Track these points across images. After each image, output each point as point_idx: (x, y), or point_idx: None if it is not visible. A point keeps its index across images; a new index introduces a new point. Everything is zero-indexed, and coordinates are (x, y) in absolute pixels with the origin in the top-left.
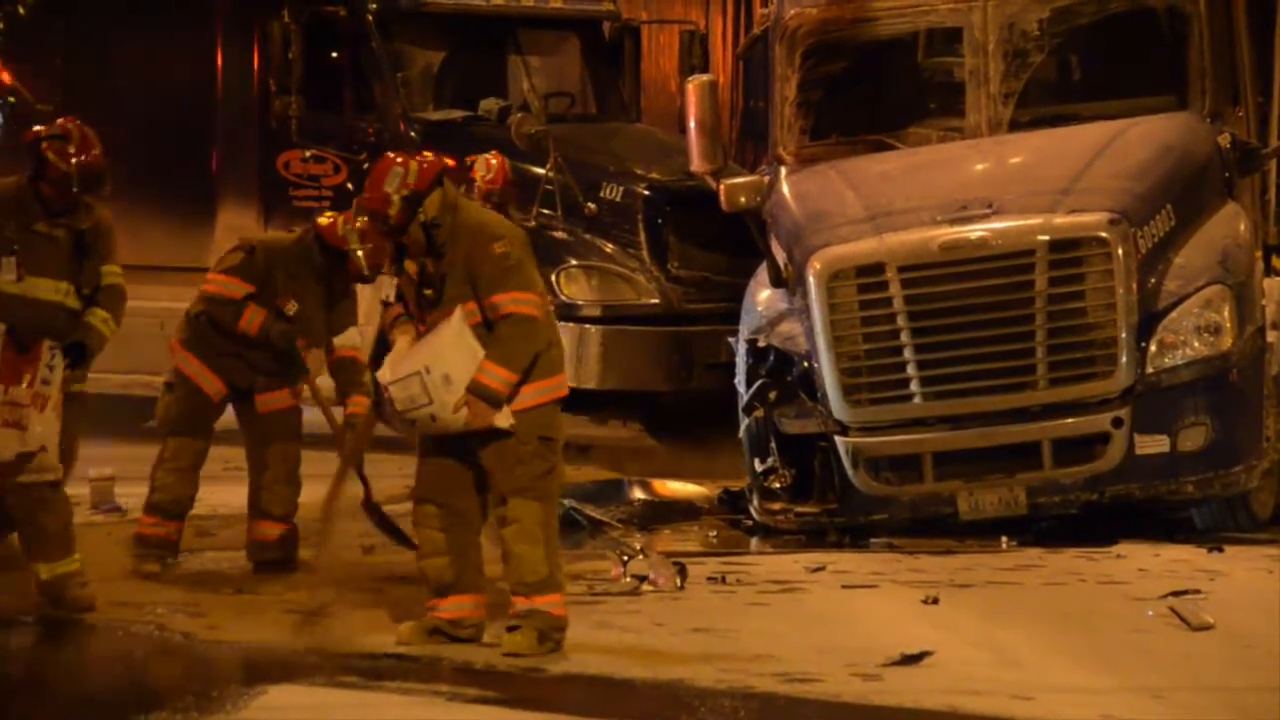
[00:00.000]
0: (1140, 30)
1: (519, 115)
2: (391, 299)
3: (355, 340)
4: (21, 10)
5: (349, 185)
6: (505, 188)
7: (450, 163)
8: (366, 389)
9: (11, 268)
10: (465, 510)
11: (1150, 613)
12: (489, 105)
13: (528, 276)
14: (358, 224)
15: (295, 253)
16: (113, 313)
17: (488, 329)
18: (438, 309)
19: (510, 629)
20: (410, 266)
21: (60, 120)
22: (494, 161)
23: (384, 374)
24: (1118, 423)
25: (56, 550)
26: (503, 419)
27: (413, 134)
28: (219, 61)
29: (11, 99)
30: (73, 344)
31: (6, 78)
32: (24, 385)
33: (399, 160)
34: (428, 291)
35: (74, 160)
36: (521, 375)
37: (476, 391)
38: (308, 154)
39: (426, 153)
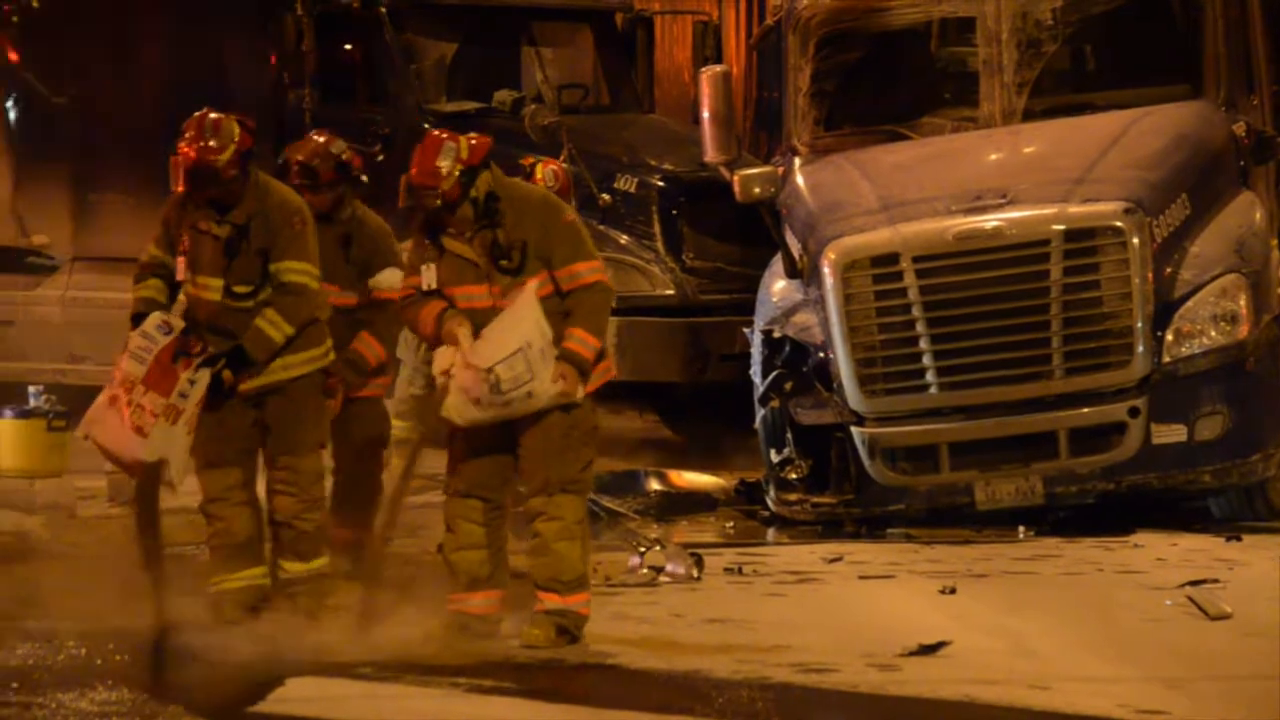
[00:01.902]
0: (1154, 19)
1: (532, 107)
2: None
3: None
4: (35, 3)
5: (363, 177)
6: (567, 195)
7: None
8: None
9: (180, 266)
10: (503, 505)
11: (1168, 602)
12: (503, 97)
13: (593, 247)
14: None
15: None
16: (288, 312)
17: (561, 298)
18: (519, 277)
19: (533, 623)
20: (453, 244)
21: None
22: (555, 168)
23: (479, 360)
24: (1134, 412)
25: (238, 559)
26: (581, 392)
27: (426, 125)
28: (233, 53)
29: None
30: (232, 350)
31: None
32: (163, 394)
33: (449, 137)
34: (504, 262)
35: (185, 152)
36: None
37: (571, 360)
38: (312, 147)
39: (472, 134)
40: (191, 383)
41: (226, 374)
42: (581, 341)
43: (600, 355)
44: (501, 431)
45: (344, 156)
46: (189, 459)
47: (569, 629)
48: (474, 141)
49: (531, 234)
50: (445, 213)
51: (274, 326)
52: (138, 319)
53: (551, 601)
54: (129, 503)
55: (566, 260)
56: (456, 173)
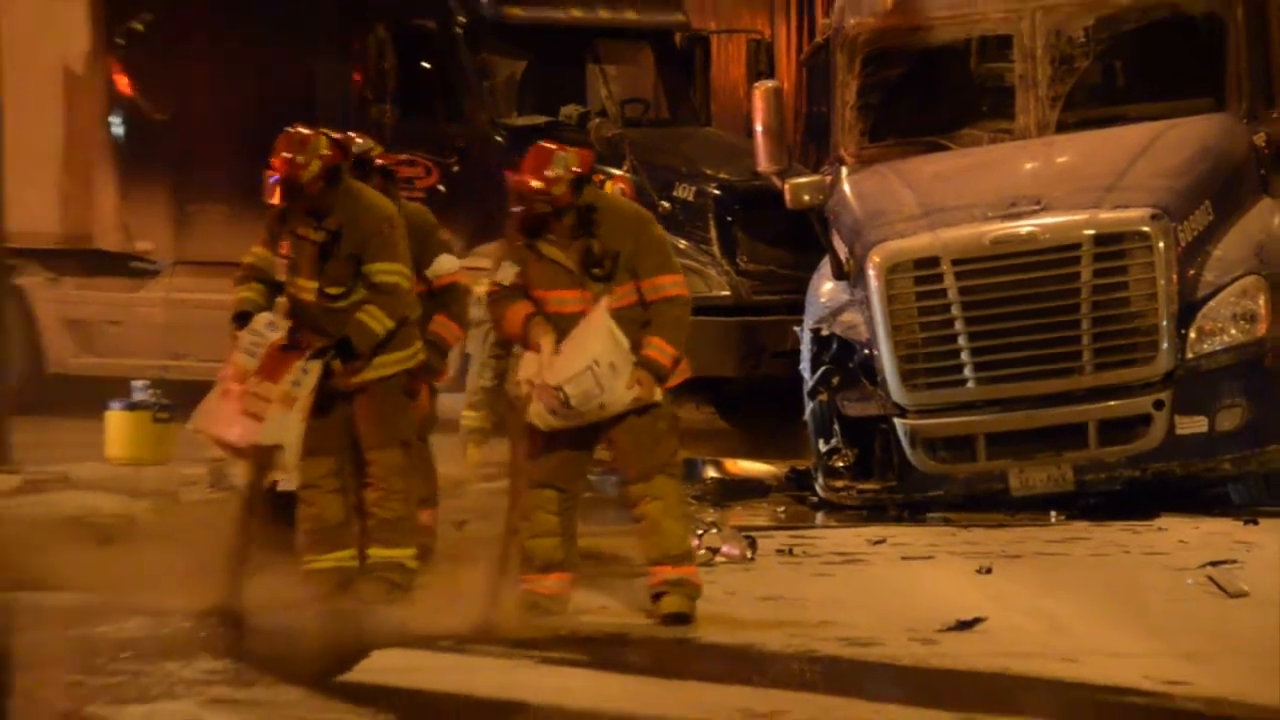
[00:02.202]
0: (1179, 36)
1: (597, 120)
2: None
3: None
4: (139, 27)
5: (440, 186)
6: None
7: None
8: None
9: (281, 269)
10: (577, 495)
11: (1190, 581)
12: (569, 111)
13: (676, 262)
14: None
15: None
16: (385, 309)
17: (643, 308)
18: (609, 284)
19: (657, 596)
20: (549, 249)
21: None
22: (624, 185)
23: (552, 375)
24: (1159, 405)
25: (327, 542)
26: (659, 393)
27: (498, 138)
28: (322, 71)
29: None
30: (340, 341)
31: (124, 87)
32: (277, 383)
33: (560, 147)
34: (597, 270)
35: (276, 166)
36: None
37: (650, 368)
38: (401, 158)
39: (566, 148)
40: (305, 372)
41: (336, 363)
42: (660, 350)
43: (677, 360)
44: (580, 430)
45: (370, 154)
46: (301, 445)
47: (695, 598)
48: (582, 153)
49: (624, 245)
50: (552, 218)
51: (375, 320)
52: (241, 318)
53: (667, 573)
54: (228, 488)
55: (653, 273)
56: (567, 181)
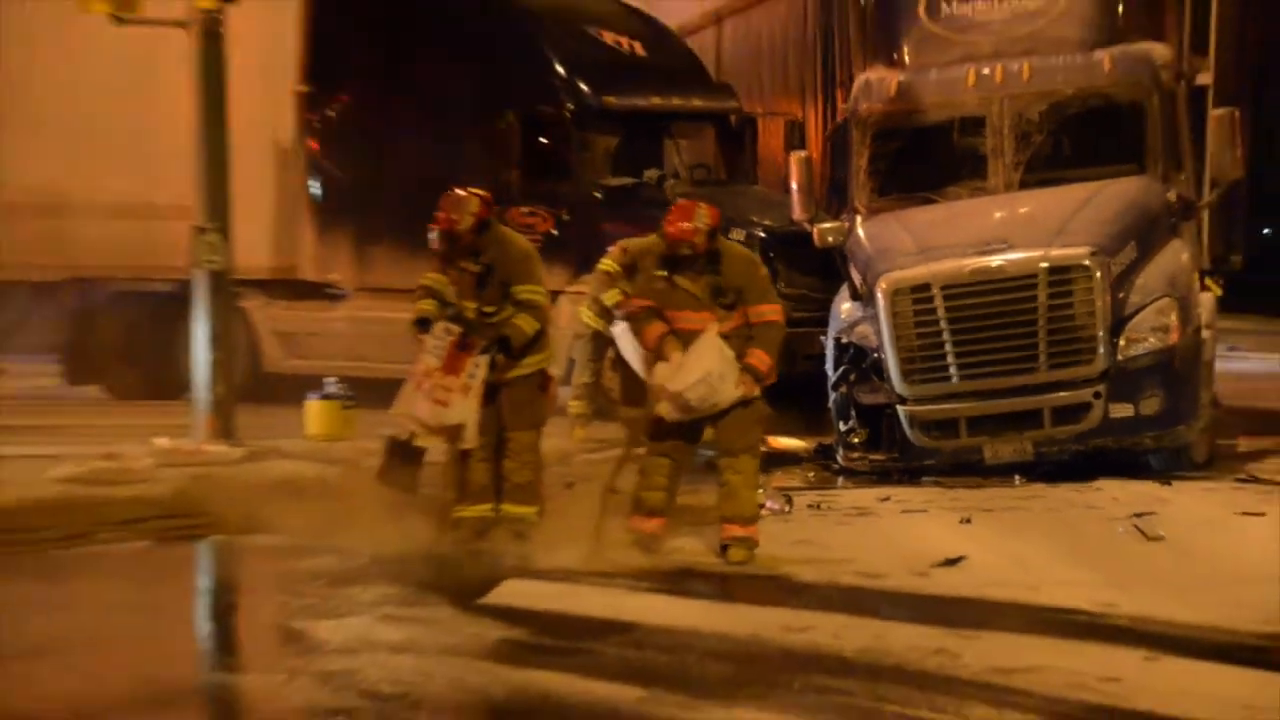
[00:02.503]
0: (1111, 118)
1: (671, 181)
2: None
3: None
4: (330, 114)
5: (553, 231)
6: None
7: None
8: None
9: (453, 294)
10: (683, 465)
11: (1120, 529)
12: (650, 174)
13: (775, 294)
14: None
15: None
16: (531, 318)
17: (749, 328)
18: (732, 312)
19: (725, 546)
20: (684, 282)
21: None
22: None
23: (675, 384)
24: (1097, 395)
25: (472, 498)
26: (757, 392)
27: (596, 195)
28: (471, 143)
29: None
30: (500, 339)
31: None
32: (457, 376)
33: (699, 204)
34: (723, 299)
35: (439, 220)
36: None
37: (751, 372)
38: (525, 210)
39: (702, 203)
40: (476, 366)
41: (500, 357)
42: (760, 359)
43: (772, 369)
44: (695, 420)
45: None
46: (477, 423)
47: (752, 550)
48: (713, 209)
49: (740, 281)
50: (689, 259)
51: (526, 324)
52: (421, 323)
53: (736, 530)
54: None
55: (758, 302)
56: (705, 231)
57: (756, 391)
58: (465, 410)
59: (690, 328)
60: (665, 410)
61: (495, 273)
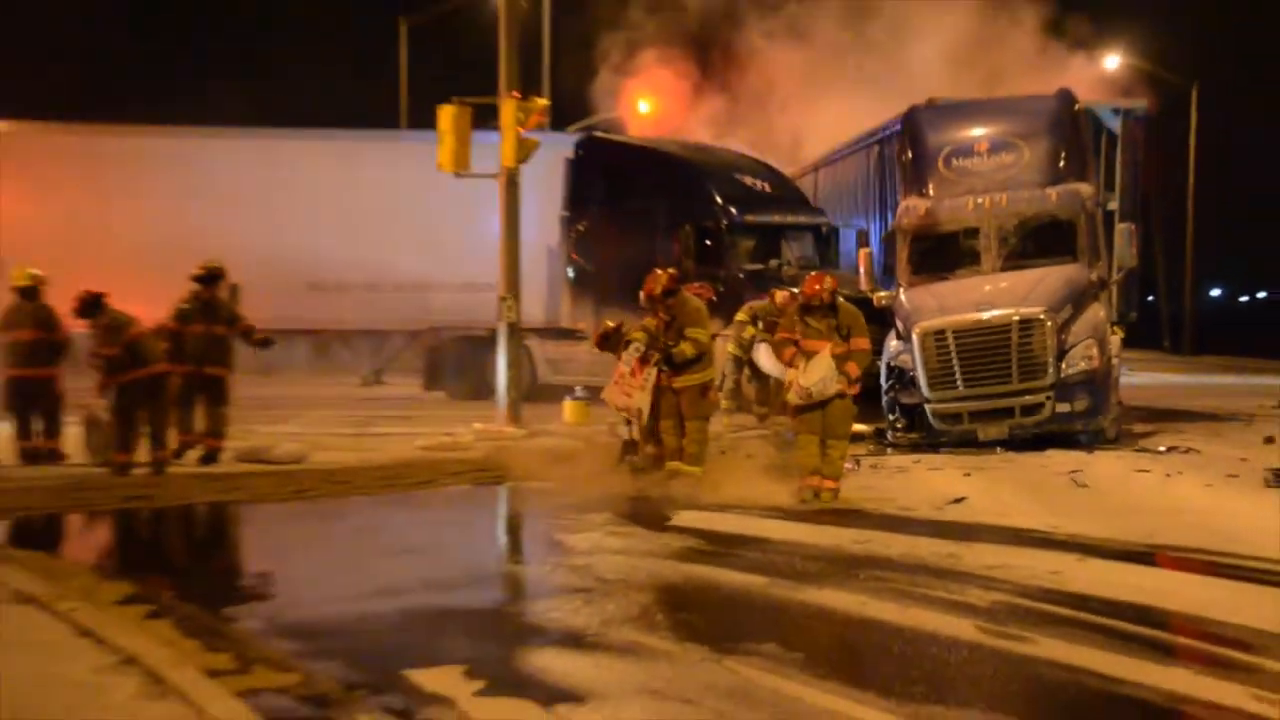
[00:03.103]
0: (1056, 229)
1: (785, 267)
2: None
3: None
4: (580, 229)
5: (714, 298)
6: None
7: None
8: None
9: (655, 332)
10: (821, 438)
11: (1062, 480)
12: (773, 263)
13: (866, 331)
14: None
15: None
16: (694, 341)
17: (849, 352)
18: (846, 341)
19: (817, 493)
20: (814, 321)
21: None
22: (781, 295)
23: (803, 380)
24: (1048, 398)
25: (668, 455)
26: (853, 389)
27: (740, 275)
28: (664, 239)
29: None
30: (667, 358)
31: (573, 253)
32: (638, 379)
33: (827, 275)
34: (839, 334)
35: (649, 286)
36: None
37: (846, 376)
38: (697, 284)
39: (829, 275)
40: (649, 374)
41: (666, 370)
42: (852, 369)
43: (860, 378)
44: (819, 411)
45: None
46: (649, 410)
47: (837, 495)
48: (833, 277)
49: (848, 322)
50: (818, 310)
51: (686, 349)
52: (627, 343)
53: (830, 484)
54: (615, 436)
55: (858, 336)
56: (829, 290)
57: (850, 391)
58: (642, 400)
59: (813, 349)
60: (793, 398)
61: (676, 321)
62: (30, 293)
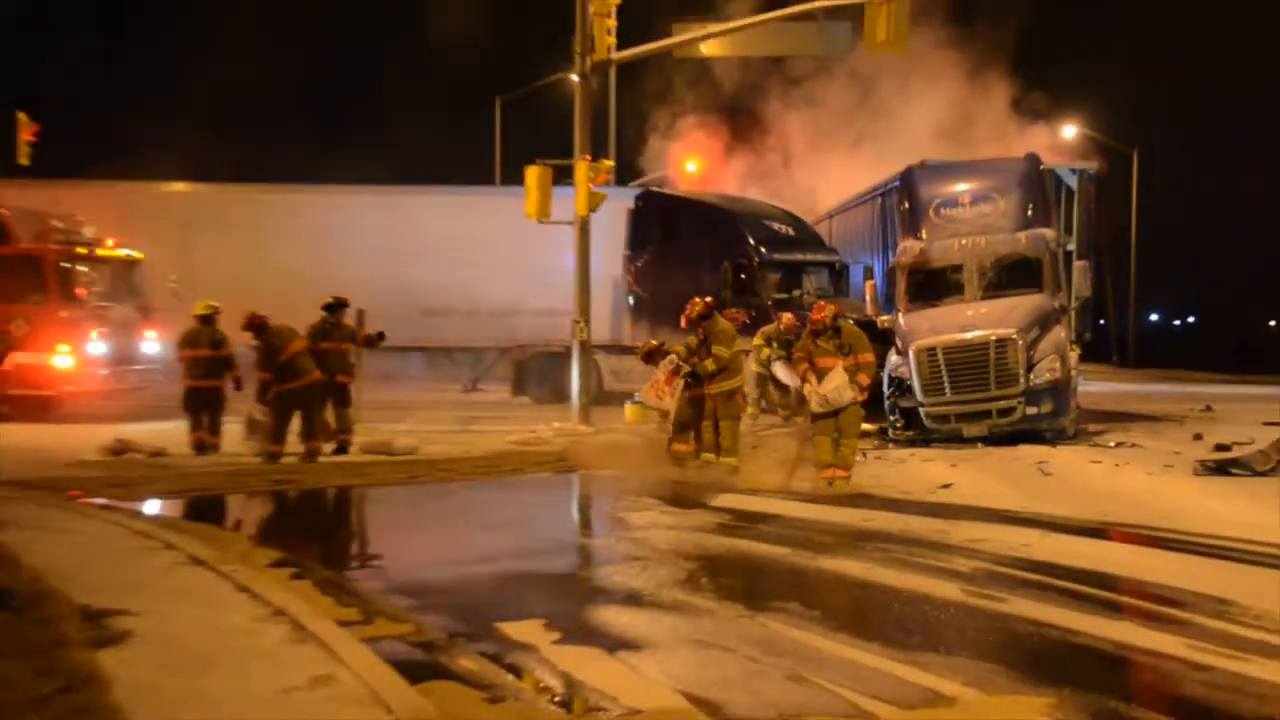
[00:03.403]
0: (1026, 266)
1: (807, 297)
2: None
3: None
4: (639, 264)
5: (747, 321)
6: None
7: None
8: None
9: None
10: (834, 437)
11: (1031, 469)
12: (795, 293)
13: (870, 349)
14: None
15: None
16: (715, 357)
17: (856, 367)
18: (847, 357)
19: (831, 482)
20: (823, 343)
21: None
22: (787, 317)
23: (821, 389)
24: (1020, 403)
25: (705, 448)
26: (861, 396)
27: (770, 303)
28: (709, 274)
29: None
30: (693, 371)
31: (632, 284)
32: (669, 385)
33: (829, 304)
34: (843, 351)
35: (687, 311)
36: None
37: (858, 387)
38: (733, 310)
39: (830, 304)
40: (678, 383)
41: (690, 380)
42: (862, 381)
43: (868, 387)
44: (833, 413)
45: (704, 308)
46: (676, 412)
47: (848, 482)
48: (842, 306)
49: (851, 341)
50: (825, 332)
51: (709, 364)
52: (649, 356)
53: (842, 473)
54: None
55: (862, 352)
56: (832, 314)
57: (860, 399)
58: (670, 404)
59: (825, 366)
60: (814, 406)
61: (708, 340)
62: (207, 319)
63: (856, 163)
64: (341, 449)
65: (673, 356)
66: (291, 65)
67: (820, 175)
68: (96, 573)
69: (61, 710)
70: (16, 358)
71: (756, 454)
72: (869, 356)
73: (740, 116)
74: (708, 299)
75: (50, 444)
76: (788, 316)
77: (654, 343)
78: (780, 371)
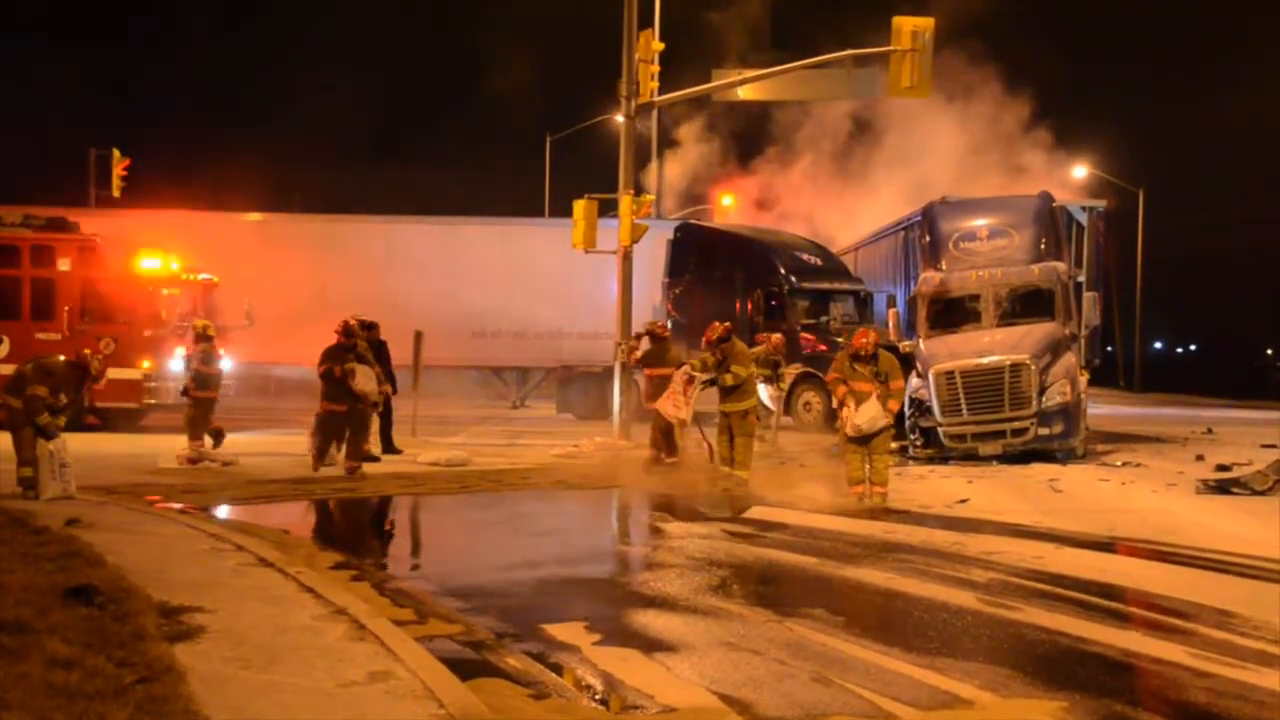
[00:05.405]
0: (1039, 296)
1: (833, 323)
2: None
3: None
4: (678, 290)
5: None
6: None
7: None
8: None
9: (710, 366)
10: (864, 456)
11: (1043, 486)
12: (823, 319)
13: (901, 375)
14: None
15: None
16: (733, 374)
17: (888, 394)
18: (884, 384)
19: (863, 497)
20: (860, 367)
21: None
22: (776, 337)
23: (857, 418)
24: (1032, 424)
25: (723, 461)
26: (890, 420)
27: (798, 328)
28: (739, 302)
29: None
30: (708, 382)
31: (670, 309)
32: (685, 396)
33: (871, 330)
34: (879, 377)
35: (707, 334)
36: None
37: (893, 413)
38: (764, 334)
39: (873, 330)
40: (693, 395)
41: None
42: (893, 406)
43: (899, 412)
44: (867, 437)
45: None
46: (691, 421)
47: (883, 499)
48: (876, 331)
49: (887, 368)
50: (864, 358)
51: (729, 379)
52: (679, 367)
53: (878, 489)
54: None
55: (895, 379)
56: (874, 343)
57: (890, 423)
58: (686, 413)
59: (861, 390)
60: (850, 430)
61: (727, 360)
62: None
63: (879, 198)
64: (374, 459)
65: (687, 368)
66: (362, 106)
67: (846, 210)
68: (173, 572)
69: (141, 699)
70: (107, 374)
71: (786, 470)
72: (901, 384)
73: (775, 155)
74: (726, 324)
75: (133, 452)
76: (776, 337)
77: (697, 364)
78: (764, 393)
